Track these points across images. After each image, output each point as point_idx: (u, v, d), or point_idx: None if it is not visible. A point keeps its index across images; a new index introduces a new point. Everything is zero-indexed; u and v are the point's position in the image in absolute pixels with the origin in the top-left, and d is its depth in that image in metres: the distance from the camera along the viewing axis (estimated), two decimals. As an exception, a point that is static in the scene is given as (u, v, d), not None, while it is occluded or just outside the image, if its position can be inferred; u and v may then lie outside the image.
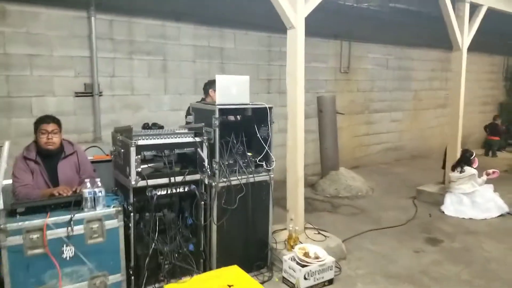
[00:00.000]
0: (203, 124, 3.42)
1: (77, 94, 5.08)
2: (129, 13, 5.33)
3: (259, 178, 3.69)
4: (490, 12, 6.41)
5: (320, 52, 7.52)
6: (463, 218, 5.62)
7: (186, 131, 3.40)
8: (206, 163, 3.30)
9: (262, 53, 6.73)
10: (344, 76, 7.98)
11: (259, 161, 3.68)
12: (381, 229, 5.18)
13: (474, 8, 6.23)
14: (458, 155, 6.25)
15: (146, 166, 3.18)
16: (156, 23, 5.58)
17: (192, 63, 5.99)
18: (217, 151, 3.42)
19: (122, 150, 3.20)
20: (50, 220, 2.62)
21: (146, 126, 3.58)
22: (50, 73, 4.90)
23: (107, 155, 4.16)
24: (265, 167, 3.73)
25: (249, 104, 3.67)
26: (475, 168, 5.93)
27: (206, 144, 3.34)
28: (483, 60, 11.38)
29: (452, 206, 5.82)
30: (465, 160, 5.99)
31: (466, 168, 5.88)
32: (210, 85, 4.43)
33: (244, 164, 3.65)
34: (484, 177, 5.89)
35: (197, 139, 3.31)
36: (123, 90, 5.43)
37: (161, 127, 3.55)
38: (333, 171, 6.88)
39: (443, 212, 5.83)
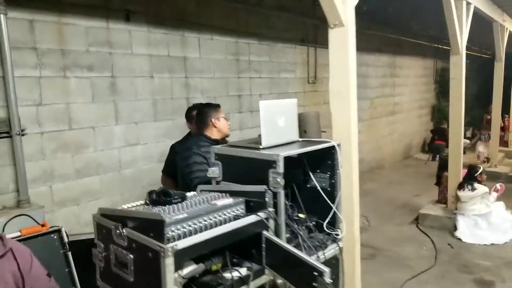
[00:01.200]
0: (265, 187, 2.01)
1: (-17, 136, 3.24)
2: (59, 10, 3.60)
3: (328, 254, 2.39)
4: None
5: (288, 60, 6.40)
6: (485, 244, 4.93)
7: (230, 200, 1.96)
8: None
9: (230, 64, 5.38)
10: (311, 87, 6.97)
11: (317, 225, 2.39)
12: (417, 275, 4.21)
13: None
14: (461, 170, 5.59)
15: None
16: (99, 25, 3.91)
17: (150, 79, 4.42)
18: (282, 228, 2.05)
19: (134, 258, 1.66)
20: None
21: (154, 197, 2.04)
22: None
23: (42, 225, 2.55)
24: (333, 235, 2.44)
25: (314, 143, 2.37)
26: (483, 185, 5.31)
27: (274, 222, 1.97)
28: (418, 64, 11.38)
29: (469, 231, 5.10)
30: (472, 176, 5.34)
31: (477, 185, 5.22)
32: (206, 112, 3.03)
33: (307, 236, 2.33)
34: (495, 194, 5.29)
35: (262, 215, 1.91)
36: (56, 123, 3.66)
37: (182, 196, 2.04)
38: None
39: (460, 239, 5.08)
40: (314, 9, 6.55)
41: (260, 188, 2.03)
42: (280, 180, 2.04)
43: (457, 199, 5.43)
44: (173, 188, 3.27)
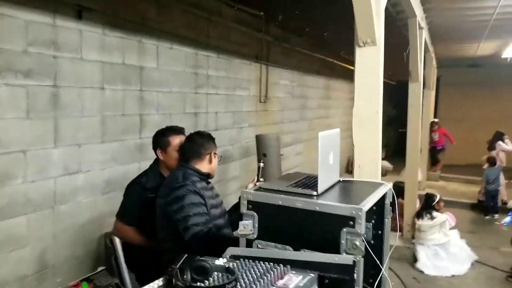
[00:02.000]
0: (353, 258, 1.45)
1: None
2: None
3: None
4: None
5: (243, 77, 5.90)
6: (447, 276, 4.90)
7: (302, 279, 1.39)
8: None
9: (189, 77, 4.70)
10: (263, 106, 6.54)
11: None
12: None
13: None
14: (416, 197, 5.58)
15: None
16: (43, 20, 3.01)
17: (100, 91, 3.57)
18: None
19: None
20: None
21: (189, 279, 1.36)
22: None
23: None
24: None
25: (372, 186, 1.91)
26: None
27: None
28: (346, 87, 11.68)
29: (429, 262, 5.05)
30: (430, 205, 5.34)
31: (436, 214, 5.22)
32: (204, 143, 2.47)
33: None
34: (451, 222, 5.34)
35: None
36: (-25, 146, 2.68)
37: (231, 273, 1.39)
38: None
39: (422, 271, 4.99)
40: (268, 25, 6.19)
41: (346, 259, 1.48)
42: (360, 244, 1.53)
43: (414, 228, 5.39)
44: (137, 239, 2.53)
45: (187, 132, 4.84)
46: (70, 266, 3.39)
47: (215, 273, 1.46)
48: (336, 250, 1.55)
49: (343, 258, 1.47)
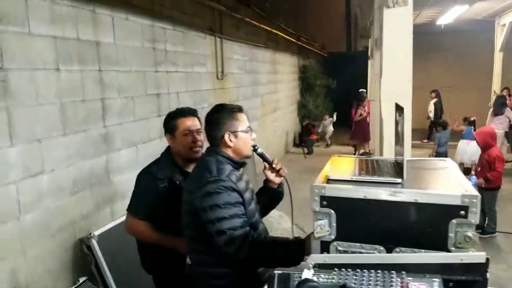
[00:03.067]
0: (485, 255, 1.20)
1: None
2: None
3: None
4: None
5: (199, 52, 5.42)
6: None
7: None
8: None
9: (147, 53, 4.16)
10: (220, 83, 6.12)
11: None
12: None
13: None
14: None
15: None
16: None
17: (55, 73, 2.96)
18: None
19: None
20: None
21: None
22: None
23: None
24: None
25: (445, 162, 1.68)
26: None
27: None
28: (289, 61, 11.57)
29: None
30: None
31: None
32: (217, 119, 2.01)
33: None
34: None
35: None
36: None
37: None
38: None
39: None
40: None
41: (477, 257, 1.23)
42: (473, 236, 1.29)
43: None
44: (153, 236, 2.14)
45: (153, 116, 4.28)
46: (46, 282, 2.84)
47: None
48: (441, 245, 1.31)
49: (472, 256, 1.22)
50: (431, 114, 11.31)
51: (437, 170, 1.71)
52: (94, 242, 3.11)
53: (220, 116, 1.95)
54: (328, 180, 1.48)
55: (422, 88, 11.55)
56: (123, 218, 2.64)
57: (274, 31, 8.85)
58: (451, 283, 1.20)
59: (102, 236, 3.15)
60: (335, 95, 13.78)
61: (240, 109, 2.00)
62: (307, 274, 1.29)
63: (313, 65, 13.41)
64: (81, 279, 3.03)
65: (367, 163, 1.72)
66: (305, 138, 11.42)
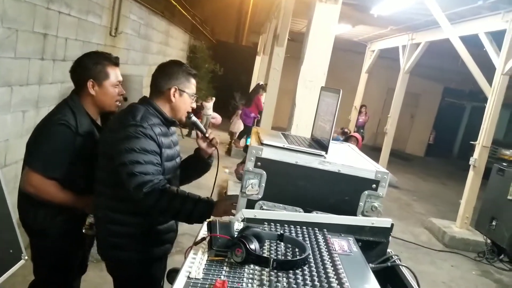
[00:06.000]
0: (391, 221, 1.40)
1: None
2: None
3: None
4: None
5: (96, 0, 4.94)
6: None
7: (346, 242, 1.30)
8: None
9: (41, -16, 3.63)
10: (112, 41, 5.67)
11: None
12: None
13: None
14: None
15: None
16: None
17: None
18: None
19: None
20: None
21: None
22: None
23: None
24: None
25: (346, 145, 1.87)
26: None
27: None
28: (181, 37, 11.30)
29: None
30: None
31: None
32: (170, 71, 1.95)
33: None
34: None
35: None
36: None
37: (301, 247, 1.14)
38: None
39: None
40: None
41: (383, 222, 1.44)
42: (379, 206, 1.52)
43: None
44: (62, 198, 1.95)
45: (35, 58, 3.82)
46: None
47: (267, 241, 1.22)
48: (351, 211, 1.50)
49: (381, 221, 1.43)
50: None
51: (348, 151, 1.92)
52: None
53: (178, 71, 1.92)
54: (262, 144, 1.55)
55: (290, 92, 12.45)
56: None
57: (172, 0, 8.56)
58: (360, 243, 1.38)
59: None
60: (219, 83, 13.93)
61: (195, 76, 1.99)
62: (238, 225, 1.34)
63: (203, 47, 13.35)
64: None
65: (290, 137, 1.84)
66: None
